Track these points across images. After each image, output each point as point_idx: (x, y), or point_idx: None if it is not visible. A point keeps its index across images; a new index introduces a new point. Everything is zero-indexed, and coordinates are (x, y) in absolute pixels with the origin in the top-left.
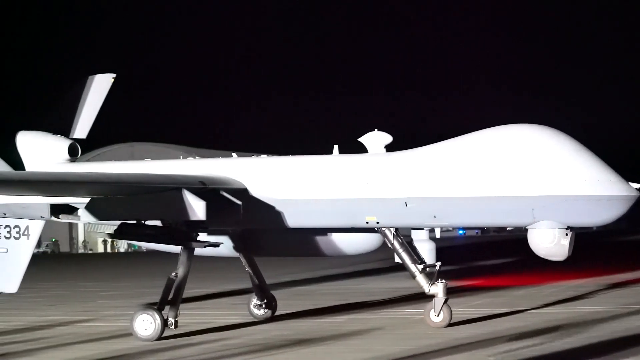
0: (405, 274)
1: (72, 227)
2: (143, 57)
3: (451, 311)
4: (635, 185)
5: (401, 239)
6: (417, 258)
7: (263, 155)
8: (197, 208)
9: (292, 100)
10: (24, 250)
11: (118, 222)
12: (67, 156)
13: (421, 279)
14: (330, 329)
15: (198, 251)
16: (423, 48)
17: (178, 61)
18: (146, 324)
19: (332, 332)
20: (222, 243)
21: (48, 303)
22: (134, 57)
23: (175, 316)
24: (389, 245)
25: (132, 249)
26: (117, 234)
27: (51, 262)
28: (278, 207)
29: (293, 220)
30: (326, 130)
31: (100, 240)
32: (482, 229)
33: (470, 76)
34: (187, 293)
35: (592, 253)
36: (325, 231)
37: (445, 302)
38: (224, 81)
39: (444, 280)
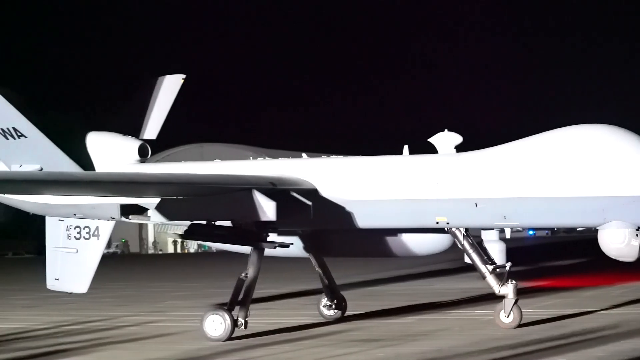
0: (475, 275)
1: (142, 227)
2: (213, 58)
3: (521, 312)
4: None
5: (471, 240)
6: (487, 259)
7: (333, 156)
8: (267, 208)
9: (363, 101)
10: (94, 250)
11: (188, 223)
12: (137, 157)
13: (491, 280)
14: (399, 330)
15: (268, 252)
16: (497, 49)
17: (248, 62)
18: (216, 325)
19: (401, 333)
20: (292, 243)
21: (117, 303)
22: (204, 58)
23: (245, 316)
24: (459, 246)
25: (202, 249)
26: (187, 235)
27: (121, 263)
28: (348, 208)
29: (363, 220)
30: (396, 130)
31: (170, 240)
32: (552, 229)
33: (546, 76)
34: (257, 293)
35: None
36: (395, 232)
37: (516, 302)
38: (294, 82)
39: (514, 281)
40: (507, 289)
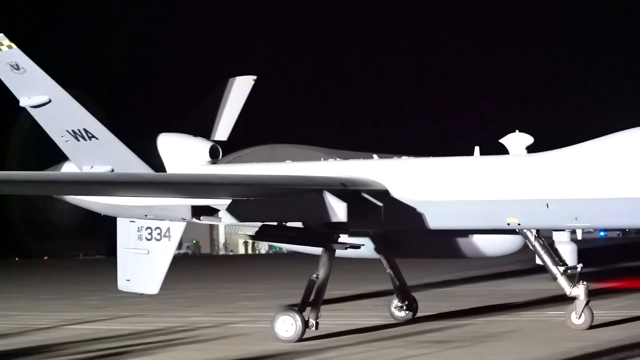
0: (546, 276)
1: (213, 228)
2: (283, 59)
3: (592, 313)
4: None
5: (542, 241)
6: (558, 260)
7: (404, 157)
8: (338, 210)
9: (435, 102)
10: (165, 251)
11: (259, 224)
12: (208, 158)
13: (562, 281)
14: (470, 331)
15: (339, 253)
16: (575, 49)
17: (318, 63)
18: (287, 325)
19: (472, 334)
20: (363, 245)
21: (188, 304)
22: (274, 59)
23: (316, 317)
24: (530, 247)
25: (273, 250)
26: (259, 236)
27: (192, 264)
28: (419, 209)
29: (434, 221)
30: (468, 131)
31: (241, 241)
32: (623, 230)
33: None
34: (327, 295)
35: None
36: (466, 233)
37: (587, 304)
38: (365, 83)
39: (585, 282)
40: (579, 290)
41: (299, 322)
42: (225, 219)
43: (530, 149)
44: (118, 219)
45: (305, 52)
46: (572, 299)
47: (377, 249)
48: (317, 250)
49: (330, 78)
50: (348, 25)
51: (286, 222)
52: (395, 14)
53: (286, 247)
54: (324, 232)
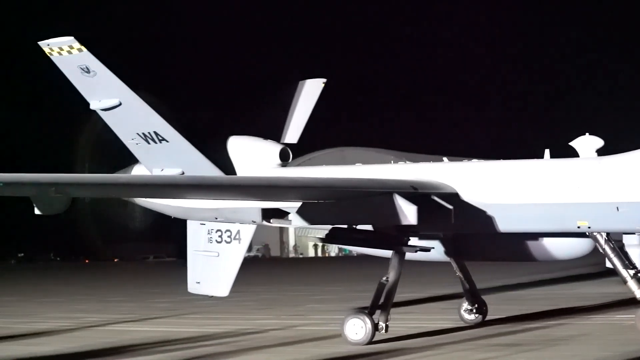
0: (616, 279)
1: (283, 231)
2: (354, 62)
3: None
4: None
5: (612, 244)
6: (628, 263)
7: (474, 160)
8: (408, 213)
9: (505, 104)
10: (235, 254)
11: (329, 227)
12: (278, 161)
13: (632, 285)
14: (540, 334)
15: (409, 255)
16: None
17: (390, 67)
18: (357, 328)
19: (542, 338)
20: (433, 247)
21: (258, 307)
22: (343, 62)
23: (386, 320)
24: (600, 250)
25: (343, 253)
26: (329, 238)
27: (262, 266)
28: (489, 212)
29: (504, 224)
30: (538, 134)
31: (311, 244)
32: None
33: None
34: (397, 297)
35: None
36: (536, 235)
37: None
38: (436, 88)
39: None
40: None
41: (369, 325)
42: (295, 222)
43: (601, 152)
44: (188, 222)
45: (378, 55)
46: None
47: (447, 252)
48: (387, 253)
49: (402, 82)
50: (418, 29)
51: (356, 225)
52: (468, 16)
53: (356, 249)
54: (394, 235)
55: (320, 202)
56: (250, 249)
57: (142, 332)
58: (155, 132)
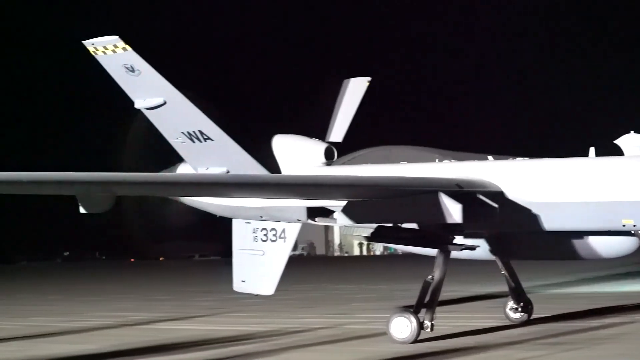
0: None
1: (328, 230)
2: (399, 60)
3: None
4: None
5: None
6: None
7: (519, 158)
8: (453, 211)
9: (547, 102)
10: (281, 253)
11: (374, 225)
12: (323, 159)
13: None
14: (585, 333)
15: (454, 254)
16: None
17: (434, 64)
18: (402, 327)
19: (587, 337)
20: (479, 246)
21: (304, 305)
22: (389, 60)
23: (432, 319)
24: None
25: (388, 251)
26: (374, 237)
27: (307, 265)
28: (534, 210)
29: (549, 223)
30: (582, 132)
31: (356, 243)
32: None
33: None
34: (442, 296)
35: None
36: (581, 234)
37: None
38: (480, 85)
39: None
40: None
41: (414, 324)
42: (340, 220)
43: None
44: (234, 220)
45: (423, 53)
46: None
47: (492, 251)
48: (432, 252)
49: (445, 79)
50: (462, 27)
51: (401, 224)
52: (508, 15)
53: (401, 248)
54: (440, 234)
55: (365, 201)
56: (295, 247)
57: (186, 331)
58: (200, 131)
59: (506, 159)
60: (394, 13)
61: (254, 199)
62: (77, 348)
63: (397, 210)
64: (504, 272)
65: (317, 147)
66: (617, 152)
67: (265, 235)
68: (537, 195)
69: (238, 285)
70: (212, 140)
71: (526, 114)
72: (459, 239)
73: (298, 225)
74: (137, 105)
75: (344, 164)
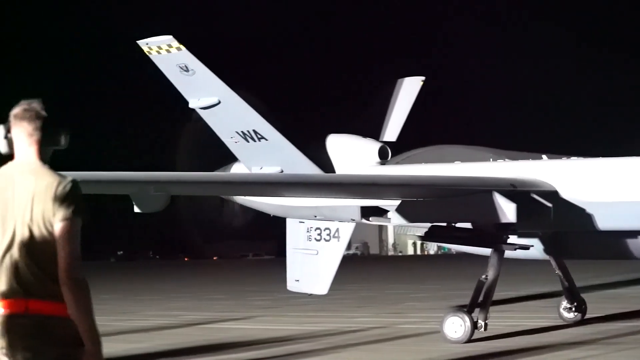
0: None
1: (381, 229)
2: (453, 60)
3: None
4: None
5: None
6: None
7: (573, 157)
8: (507, 211)
9: (602, 101)
10: (334, 252)
11: (428, 225)
12: (377, 159)
13: None
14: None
15: (507, 254)
16: None
17: (489, 64)
18: (456, 326)
19: None
20: (532, 246)
21: (357, 305)
22: (442, 60)
23: (485, 319)
24: None
25: (442, 251)
26: (428, 237)
27: (361, 264)
28: (589, 210)
29: (604, 222)
30: (636, 132)
31: (410, 242)
32: None
33: None
34: (496, 295)
35: None
36: (635, 233)
37: None
38: (536, 83)
39: None
40: None
41: (468, 323)
42: (394, 220)
43: None
44: (287, 220)
45: (476, 52)
46: None
47: (546, 250)
48: (486, 251)
49: (500, 79)
50: (514, 27)
51: (455, 223)
52: (567, 14)
53: (455, 247)
54: (494, 233)
55: (419, 200)
56: (349, 247)
57: (240, 330)
58: (254, 131)
59: (560, 158)
60: (449, 13)
61: (307, 199)
62: (132, 347)
63: (451, 210)
64: (557, 271)
65: (371, 147)
66: None
67: (319, 234)
68: (592, 195)
69: (292, 285)
70: (267, 140)
71: (578, 113)
72: (513, 239)
73: (352, 225)
74: (191, 105)
75: (397, 163)
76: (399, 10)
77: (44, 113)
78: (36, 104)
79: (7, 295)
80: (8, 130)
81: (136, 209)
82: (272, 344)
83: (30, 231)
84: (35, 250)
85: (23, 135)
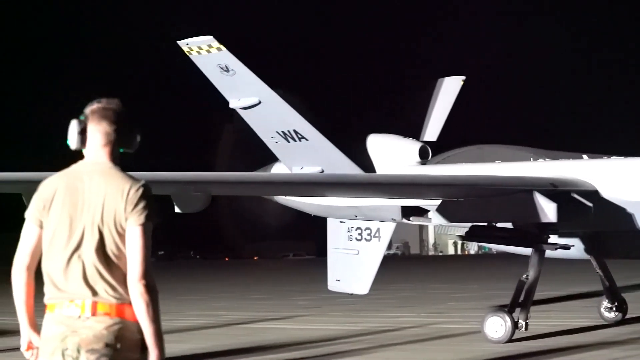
0: None
1: (422, 229)
2: (493, 59)
3: None
4: None
5: None
6: None
7: (614, 157)
8: (548, 210)
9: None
10: (375, 252)
11: (468, 224)
12: (417, 159)
13: None
14: None
15: (548, 253)
16: None
17: (528, 64)
18: (496, 326)
19: None
20: (573, 245)
21: (398, 304)
22: (483, 60)
23: (526, 318)
24: None
25: (482, 251)
26: (469, 236)
27: (401, 264)
28: (629, 209)
29: None
30: None
31: (450, 242)
32: None
33: None
34: (536, 295)
35: None
36: None
37: None
38: (575, 84)
39: None
40: None
41: (509, 323)
42: (435, 220)
43: None
44: (328, 220)
45: (516, 51)
46: None
47: (586, 250)
48: (527, 251)
49: (540, 79)
50: (555, 26)
51: (496, 223)
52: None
53: (496, 247)
54: (534, 233)
55: (460, 200)
56: (389, 246)
57: (281, 330)
58: (294, 131)
59: (601, 158)
60: (489, 14)
61: (348, 198)
62: (175, 347)
63: (492, 210)
64: (598, 271)
65: (411, 147)
66: None
67: (360, 234)
68: (632, 194)
69: (332, 284)
70: (307, 140)
71: (618, 112)
72: (553, 238)
73: (392, 225)
74: (231, 105)
75: (438, 163)
76: (440, 10)
77: (125, 114)
78: (117, 104)
79: (73, 297)
80: (84, 127)
81: (177, 209)
82: (313, 344)
83: (100, 233)
84: (105, 252)
85: (99, 135)
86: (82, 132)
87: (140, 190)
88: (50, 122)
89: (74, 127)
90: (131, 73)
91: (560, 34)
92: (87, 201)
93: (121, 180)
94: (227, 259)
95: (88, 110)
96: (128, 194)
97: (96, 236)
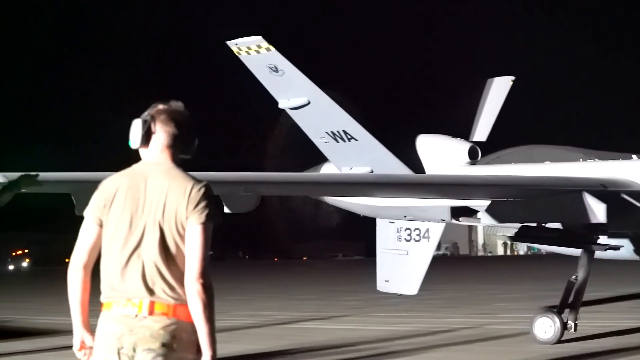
0: None
1: (471, 229)
2: (542, 59)
3: None
4: None
5: None
6: None
7: None
8: (597, 211)
9: None
10: (424, 252)
11: (518, 225)
12: (467, 159)
13: None
14: None
15: (597, 254)
16: None
17: (579, 63)
18: (545, 327)
19: None
20: (623, 246)
21: (447, 305)
22: (533, 59)
23: (575, 319)
24: None
25: (532, 251)
26: (518, 237)
27: (450, 265)
28: None
29: None
30: None
31: (499, 242)
32: None
33: None
34: (586, 296)
35: None
36: None
37: None
38: (624, 83)
39: None
40: None
41: (558, 324)
42: (484, 220)
43: None
44: (377, 220)
45: (566, 52)
46: None
47: (636, 251)
48: (576, 252)
49: (590, 79)
50: (601, 27)
51: (545, 223)
52: None
53: (545, 248)
54: (584, 234)
55: (509, 201)
56: (439, 247)
57: (329, 331)
58: (344, 131)
59: None
60: (537, 15)
61: (397, 199)
62: (221, 348)
63: (541, 210)
64: None
65: (461, 147)
66: None
67: (409, 235)
68: None
69: (382, 285)
70: (356, 140)
71: None
72: (603, 239)
73: (442, 225)
74: (281, 105)
75: (487, 163)
76: (489, 11)
77: (189, 118)
78: (183, 107)
79: (131, 295)
80: (149, 128)
81: (226, 210)
82: (362, 345)
83: (161, 231)
84: (165, 251)
85: (165, 135)
86: (147, 132)
87: (202, 190)
88: (96, 122)
89: (138, 126)
90: (179, 74)
91: (611, 32)
92: (148, 199)
93: (183, 180)
94: (275, 259)
95: (153, 110)
96: (190, 192)
97: (157, 234)
